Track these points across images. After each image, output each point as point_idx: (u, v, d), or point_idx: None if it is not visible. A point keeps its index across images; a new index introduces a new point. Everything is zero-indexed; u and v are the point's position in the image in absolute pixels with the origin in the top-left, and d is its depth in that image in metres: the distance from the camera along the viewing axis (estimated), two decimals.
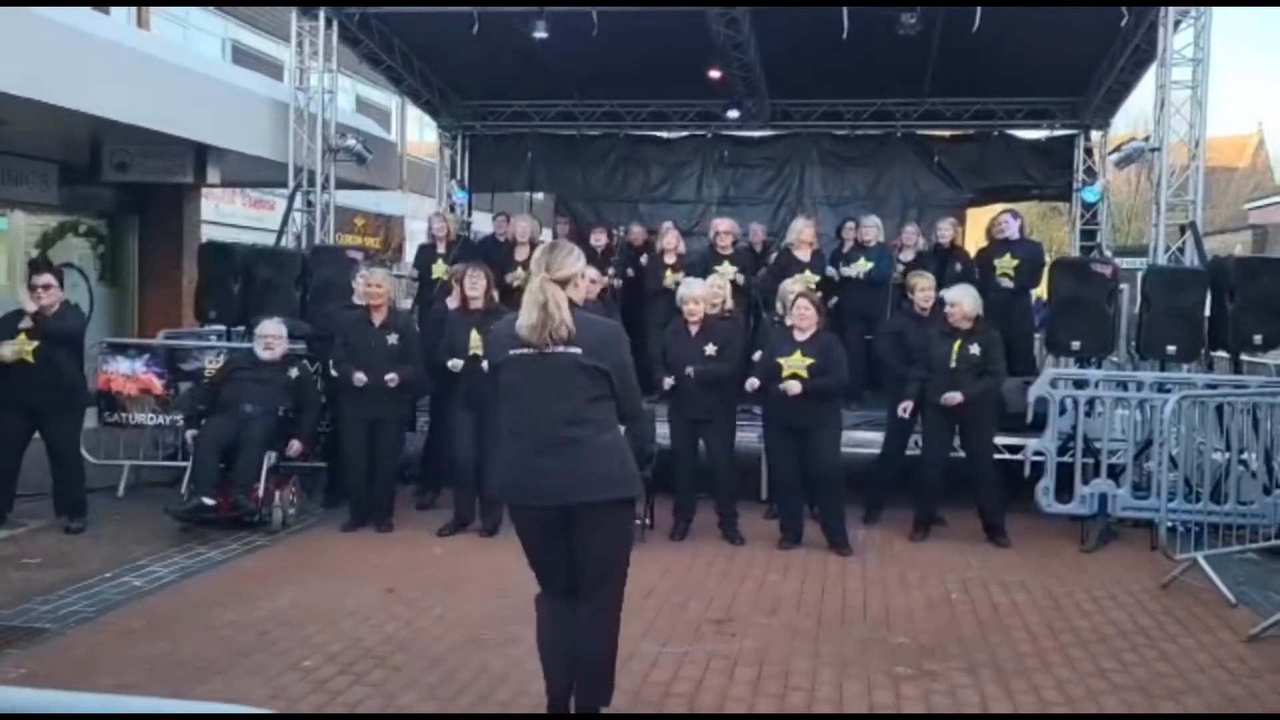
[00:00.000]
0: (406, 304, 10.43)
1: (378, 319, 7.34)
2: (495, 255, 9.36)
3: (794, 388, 6.82)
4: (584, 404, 3.85)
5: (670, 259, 9.61)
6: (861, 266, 9.20)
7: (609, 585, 3.97)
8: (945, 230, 9.80)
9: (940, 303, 7.85)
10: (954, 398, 7.09)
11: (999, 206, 14.00)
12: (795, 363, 6.91)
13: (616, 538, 3.98)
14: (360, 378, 7.17)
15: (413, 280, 10.47)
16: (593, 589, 3.94)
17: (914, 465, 7.86)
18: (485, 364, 6.79)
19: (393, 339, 7.30)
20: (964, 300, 7.31)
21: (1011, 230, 9.34)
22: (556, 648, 3.99)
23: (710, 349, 7.13)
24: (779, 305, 7.87)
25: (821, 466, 6.97)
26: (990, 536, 7.28)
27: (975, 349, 7.18)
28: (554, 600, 4.00)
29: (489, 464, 7.02)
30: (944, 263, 9.37)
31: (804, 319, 7.03)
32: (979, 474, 7.35)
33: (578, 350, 3.83)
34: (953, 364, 7.16)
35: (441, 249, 9.63)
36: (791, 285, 7.82)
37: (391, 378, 7.16)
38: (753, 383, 7.04)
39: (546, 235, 11.19)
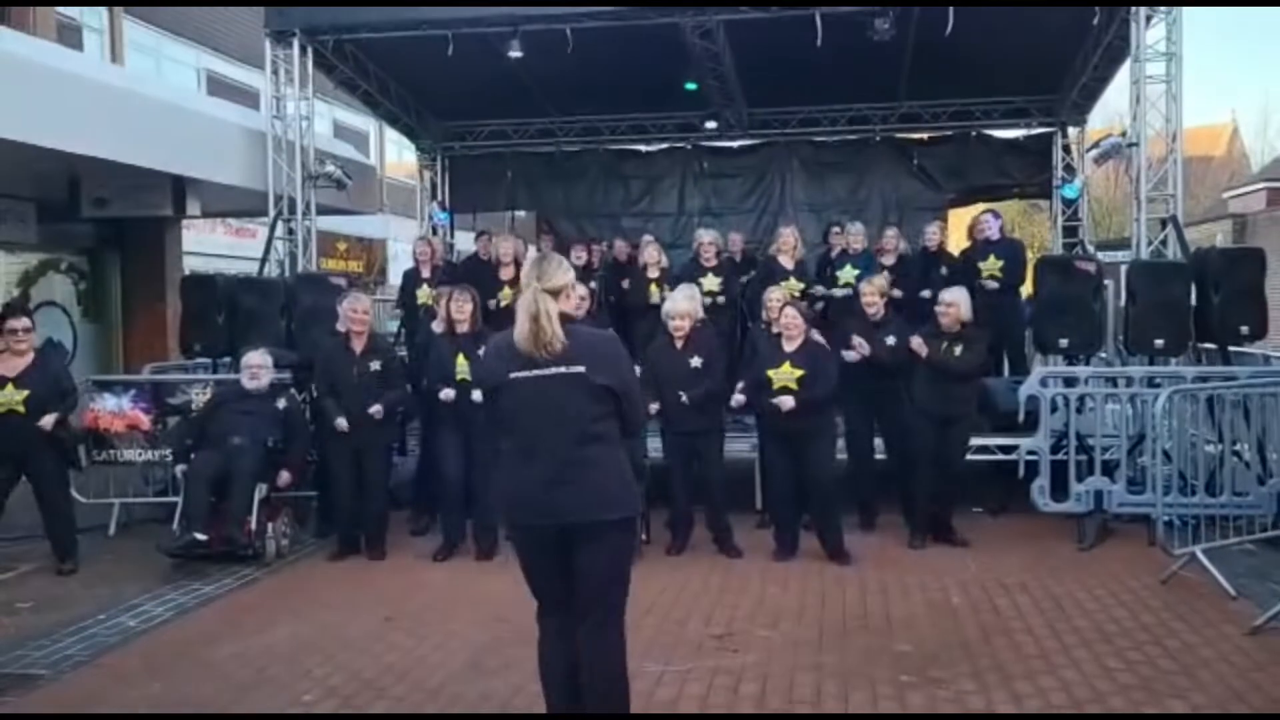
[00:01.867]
0: (391, 326, 10.38)
1: (358, 346, 7.29)
2: (480, 276, 9.27)
3: (787, 403, 6.79)
4: (591, 423, 3.81)
5: (653, 273, 9.61)
6: (848, 275, 9.14)
7: (613, 603, 3.92)
8: (932, 233, 9.82)
9: (895, 307, 7.86)
10: (918, 344, 7.11)
11: (980, 206, 14.09)
12: (784, 375, 6.88)
13: (621, 555, 3.94)
14: (342, 423, 7.13)
15: (396, 307, 10.40)
16: (594, 607, 3.88)
17: (889, 469, 7.86)
18: (475, 390, 6.81)
19: (375, 365, 7.25)
20: (961, 303, 7.29)
21: (993, 230, 9.40)
22: (558, 667, 3.93)
23: (696, 361, 7.11)
24: (764, 313, 7.86)
25: (818, 476, 6.94)
26: (944, 536, 7.31)
27: (959, 348, 7.18)
28: (555, 619, 3.94)
29: (487, 485, 6.98)
30: (930, 266, 9.38)
31: (791, 328, 7.00)
32: (950, 473, 7.29)
33: (582, 369, 3.79)
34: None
35: (426, 273, 9.57)
36: (775, 293, 7.81)
37: (376, 410, 7.11)
38: (738, 399, 7.06)
39: (531, 253, 11.13)
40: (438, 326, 7.50)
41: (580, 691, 3.91)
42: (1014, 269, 9.23)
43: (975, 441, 7.83)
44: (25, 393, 6.77)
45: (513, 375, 3.80)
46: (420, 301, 9.26)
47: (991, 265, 9.15)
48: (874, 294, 7.71)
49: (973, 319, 7.37)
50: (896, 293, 8.42)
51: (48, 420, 6.81)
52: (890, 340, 7.50)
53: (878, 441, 7.84)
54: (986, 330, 7.65)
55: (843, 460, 7.71)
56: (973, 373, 7.39)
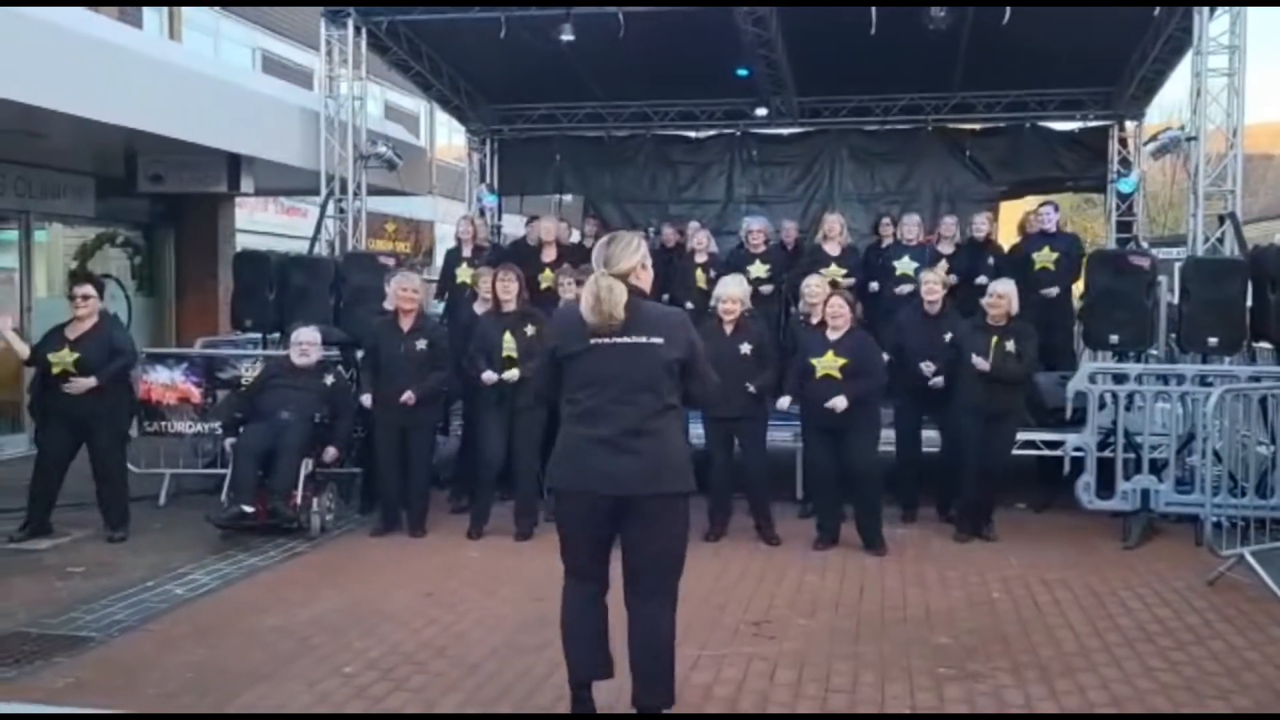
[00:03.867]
0: (438, 308, 10.43)
1: (406, 324, 7.37)
2: (523, 258, 9.30)
3: (839, 405, 6.73)
4: (660, 395, 3.89)
5: (701, 258, 9.57)
6: (906, 266, 8.94)
7: (668, 578, 3.97)
8: (981, 224, 9.66)
9: (950, 299, 7.77)
10: (980, 363, 6.95)
11: (1032, 199, 13.88)
12: (828, 363, 6.84)
13: (678, 530, 3.99)
14: (366, 400, 7.31)
15: (438, 287, 10.41)
16: (655, 583, 3.94)
17: (933, 462, 7.81)
18: (515, 369, 6.92)
19: (422, 344, 7.32)
20: (1011, 294, 7.17)
21: (1050, 222, 9.22)
22: (588, 630, 4.00)
23: (745, 348, 7.08)
24: (801, 302, 7.80)
25: (859, 467, 6.90)
26: (975, 532, 7.20)
27: (1011, 345, 7.06)
28: (586, 586, 4.01)
29: (528, 466, 7.08)
30: (978, 257, 9.26)
31: (837, 317, 6.95)
32: (992, 471, 7.19)
33: (659, 340, 3.87)
34: (987, 363, 7.01)
35: (467, 252, 9.61)
36: (813, 281, 7.74)
37: (407, 397, 7.16)
38: (783, 402, 7.07)
39: (574, 237, 11.16)
40: (480, 307, 7.55)
41: (607, 657, 4.01)
42: (1069, 263, 9.05)
43: (1021, 436, 7.78)
44: (76, 355, 6.90)
45: (593, 341, 3.87)
46: (460, 280, 9.30)
47: (1046, 257, 8.98)
48: (936, 283, 7.63)
49: (1019, 313, 7.27)
50: (952, 278, 8.32)
51: (79, 383, 6.86)
52: (948, 336, 7.44)
53: (925, 435, 7.78)
54: (1033, 327, 7.52)
55: (890, 452, 7.66)
56: (1030, 373, 7.29)
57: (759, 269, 9.14)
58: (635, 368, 3.86)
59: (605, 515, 3.90)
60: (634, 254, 3.97)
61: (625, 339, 3.85)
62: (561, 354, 3.99)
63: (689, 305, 9.44)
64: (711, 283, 9.50)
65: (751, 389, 7.04)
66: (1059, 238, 9.25)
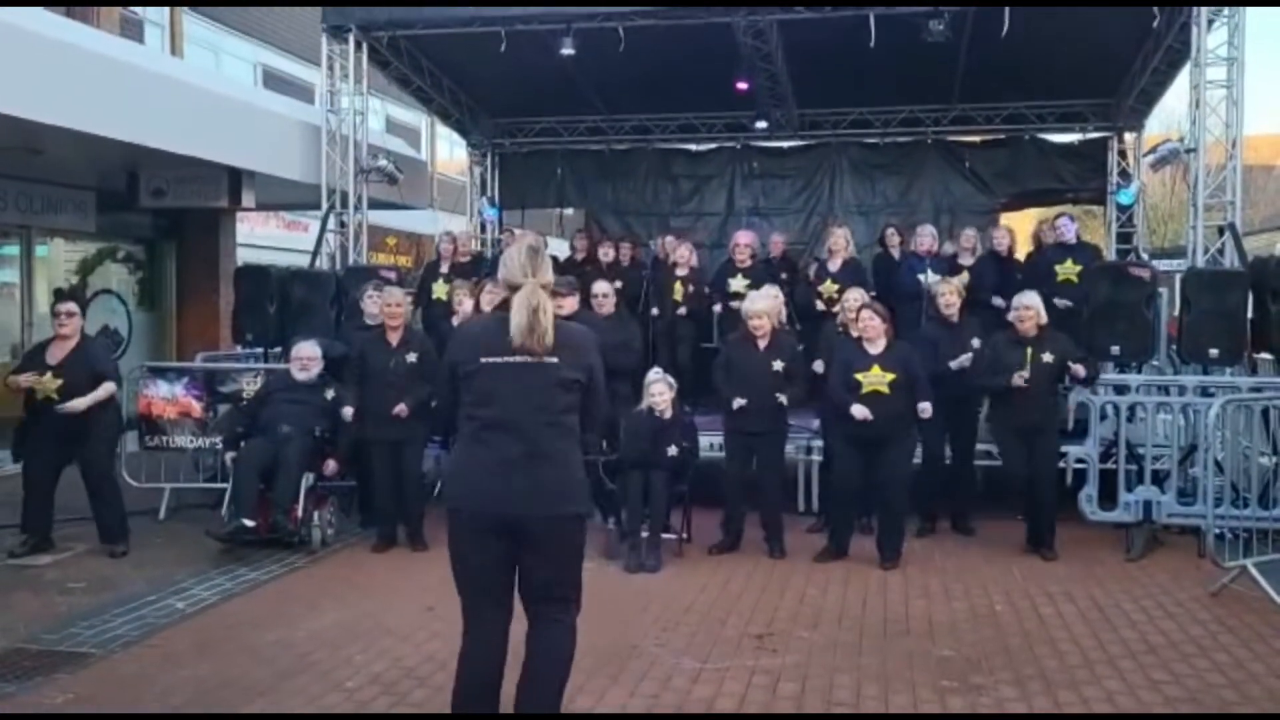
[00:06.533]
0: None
1: (394, 338, 7.34)
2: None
3: (860, 412, 6.69)
4: (557, 415, 3.76)
5: (681, 272, 9.59)
6: (933, 279, 8.83)
7: (566, 598, 3.86)
8: (1002, 237, 9.65)
9: (966, 308, 7.75)
10: (1019, 379, 6.89)
11: (1032, 211, 13.91)
12: (875, 377, 6.77)
13: (575, 550, 3.87)
14: (348, 412, 7.24)
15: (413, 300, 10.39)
16: (550, 608, 3.84)
17: (951, 475, 7.79)
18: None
19: (411, 358, 7.27)
20: (1039, 305, 7.14)
21: (1070, 234, 9.20)
22: (480, 671, 3.86)
23: (778, 364, 7.05)
24: (840, 314, 7.74)
25: (892, 480, 6.86)
26: (1037, 548, 7.12)
27: (1048, 356, 7.00)
28: (488, 620, 3.86)
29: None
30: (1000, 270, 9.23)
31: (870, 329, 6.90)
32: (1042, 486, 7.09)
33: (555, 360, 3.74)
34: (1027, 373, 6.95)
35: (445, 269, 9.61)
36: (853, 294, 7.65)
37: (400, 409, 7.12)
38: (858, 410, 6.75)
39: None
40: (458, 321, 7.56)
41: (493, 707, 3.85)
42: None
43: None
44: (59, 381, 6.86)
45: (484, 360, 3.74)
46: (435, 296, 9.31)
47: (1069, 269, 8.92)
48: (952, 293, 7.61)
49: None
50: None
51: (72, 405, 6.81)
52: (975, 343, 7.42)
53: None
54: (1063, 334, 7.47)
55: (914, 464, 7.62)
56: (1096, 367, 7.26)
57: (739, 283, 9.14)
58: (529, 387, 3.72)
59: (496, 536, 3.74)
60: (549, 264, 3.85)
61: (518, 358, 3.70)
62: (461, 370, 3.83)
63: (654, 312, 9.54)
64: (689, 295, 9.57)
65: (783, 399, 7.01)
66: (1081, 250, 9.21)
